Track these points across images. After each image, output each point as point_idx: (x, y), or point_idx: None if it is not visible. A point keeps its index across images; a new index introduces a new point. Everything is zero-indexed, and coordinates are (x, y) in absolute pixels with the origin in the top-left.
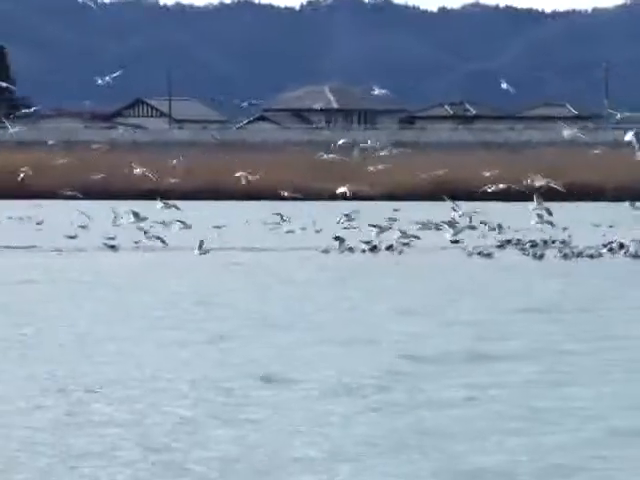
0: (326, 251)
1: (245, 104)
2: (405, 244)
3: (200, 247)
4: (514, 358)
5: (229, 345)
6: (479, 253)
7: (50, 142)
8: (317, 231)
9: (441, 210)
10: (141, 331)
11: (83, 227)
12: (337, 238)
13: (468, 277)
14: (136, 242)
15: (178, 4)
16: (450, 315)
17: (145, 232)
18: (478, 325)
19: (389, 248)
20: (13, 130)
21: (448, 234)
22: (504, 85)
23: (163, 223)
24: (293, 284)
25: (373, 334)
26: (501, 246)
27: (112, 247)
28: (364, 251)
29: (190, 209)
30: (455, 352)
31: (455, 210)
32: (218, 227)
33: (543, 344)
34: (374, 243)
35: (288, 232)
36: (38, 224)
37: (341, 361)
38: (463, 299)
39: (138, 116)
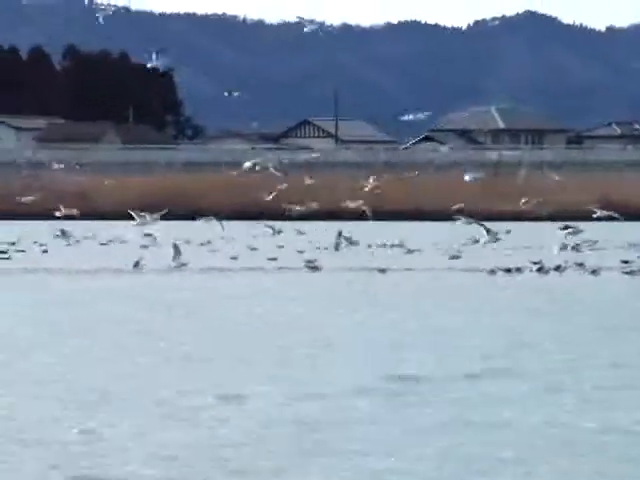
0: (492, 272)
1: (409, 116)
2: (579, 265)
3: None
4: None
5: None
6: None
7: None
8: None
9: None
10: None
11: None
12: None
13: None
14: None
15: (344, 24)
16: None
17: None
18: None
19: (557, 269)
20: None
21: None
22: None
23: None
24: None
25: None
26: None
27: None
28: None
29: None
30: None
31: None
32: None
33: None
34: (542, 264)
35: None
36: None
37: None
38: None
39: (305, 137)
